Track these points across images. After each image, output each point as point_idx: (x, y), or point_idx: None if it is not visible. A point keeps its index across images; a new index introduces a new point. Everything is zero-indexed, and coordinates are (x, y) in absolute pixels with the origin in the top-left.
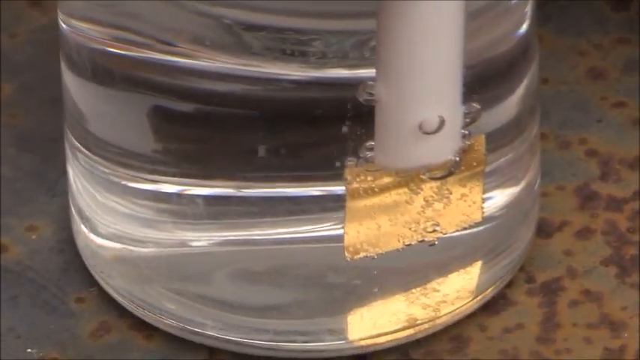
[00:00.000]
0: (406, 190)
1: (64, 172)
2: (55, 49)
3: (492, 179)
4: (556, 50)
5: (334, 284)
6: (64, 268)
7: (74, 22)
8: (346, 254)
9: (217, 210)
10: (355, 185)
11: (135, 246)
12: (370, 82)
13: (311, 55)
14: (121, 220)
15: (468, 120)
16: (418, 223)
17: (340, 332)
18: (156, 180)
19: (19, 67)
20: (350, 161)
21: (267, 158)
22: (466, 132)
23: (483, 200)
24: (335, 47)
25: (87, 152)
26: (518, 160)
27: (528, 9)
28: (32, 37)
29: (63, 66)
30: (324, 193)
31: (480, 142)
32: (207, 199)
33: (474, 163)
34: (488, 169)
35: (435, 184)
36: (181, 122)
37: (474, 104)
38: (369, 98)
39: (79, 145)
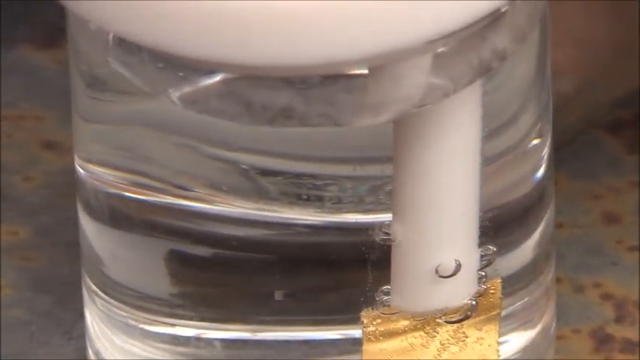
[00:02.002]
0: (422, 333)
1: (81, 315)
2: (71, 192)
3: (508, 323)
4: (570, 194)
5: None
6: None
7: (91, 167)
8: None
9: (234, 353)
10: (371, 329)
11: None
12: (386, 222)
13: (327, 200)
14: None
15: (484, 262)
16: None
17: None
18: (173, 324)
19: (34, 210)
20: (366, 305)
21: (284, 302)
22: (483, 273)
23: (499, 344)
24: (350, 192)
25: (104, 295)
26: (534, 304)
27: (545, 153)
28: (47, 180)
29: (80, 210)
30: (341, 336)
31: (497, 286)
32: (225, 342)
33: (491, 307)
34: (504, 312)
35: (451, 327)
36: (198, 266)
37: (490, 246)
38: (386, 238)
39: (96, 288)
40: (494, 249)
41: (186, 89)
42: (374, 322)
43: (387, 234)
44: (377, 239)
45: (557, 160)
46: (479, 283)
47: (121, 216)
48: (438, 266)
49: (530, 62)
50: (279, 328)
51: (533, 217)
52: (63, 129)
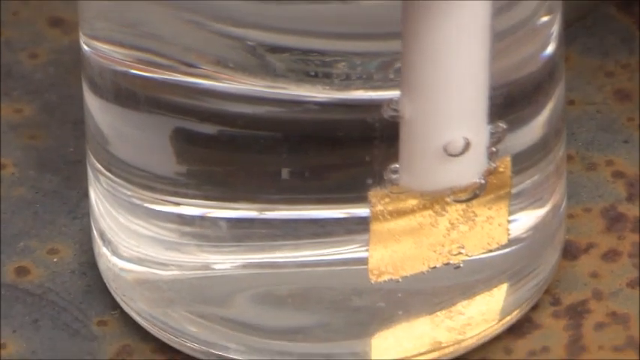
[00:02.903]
0: (431, 212)
1: (86, 194)
2: (77, 69)
3: (518, 201)
4: (582, 71)
5: (358, 307)
6: (86, 291)
7: (96, 44)
8: (370, 277)
9: (240, 233)
10: (379, 208)
11: (157, 269)
12: (395, 99)
13: (335, 77)
14: (144, 242)
15: (493, 139)
16: (443, 245)
17: (364, 355)
18: (178, 202)
19: (40, 88)
20: (375, 184)
21: (291, 180)
22: (494, 149)
23: (509, 222)
24: (359, 69)
25: (109, 174)
26: (545, 182)
27: (555, 30)
28: (53, 58)
29: (85, 88)
30: (348, 215)
31: (506, 165)
32: (231, 221)
33: (500, 185)
34: (514, 191)
35: (460, 206)
36: (204, 144)
37: (500, 124)
38: (394, 114)
39: (101, 167)
40: (504, 126)
41: None
42: (382, 201)
43: (396, 110)
44: (385, 115)
45: (568, 37)
46: (488, 161)
47: (126, 93)
48: (447, 144)
49: None
50: (285, 206)
51: (543, 94)
52: (69, 5)
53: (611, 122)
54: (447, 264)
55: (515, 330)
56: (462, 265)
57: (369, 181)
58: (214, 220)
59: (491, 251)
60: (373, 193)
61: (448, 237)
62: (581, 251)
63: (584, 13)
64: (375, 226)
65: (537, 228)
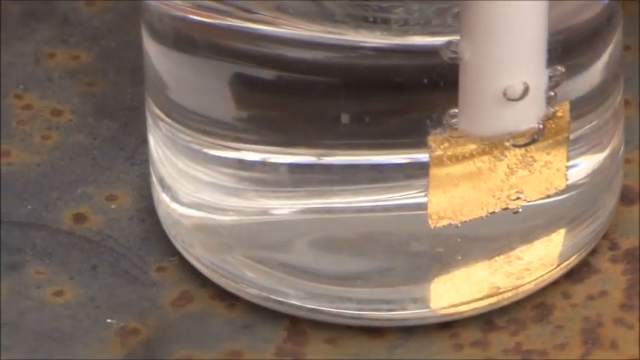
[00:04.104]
0: (490, 157)
1: (143, 141)
2: (134, 16)
3: (576, 147)
4: (637, 16)
5: (417, 252)
6: (145, 237)
7: None
8: (430, 222)
9: (300, 178)
10: (439, 152)
11: (217, 214)
12: (454, 41)
13: (393, 23)
14: (203, 188)
15: (552, 83)
16: (502, 190)
17: (424, 301)
18: (238, 148)
19: (97, 35)
20: (434, 128)
21: (350, 126)
22: (552, 94)
23: (567, 168)
24: (417, 14)
25: (168, 120)
26: (603, 128)
27: None
28: (110, 5)
29: (144, 33)
30: (407, 160)
31: (565, 110)
32: (290, 166)
33: (559, 130)
34: (572, 136)
35: (518, 151)
36: (263, 90)
37: (559, 67)
38: (453, 56)
39: (160, 112)
40: (563, 69)
41: None
42: (441, 146)
43: (455, 52)
44: (444, 57)
45: None
46: (547, 105)
47: (185, 39)
48: (506, 89)
49: None
50: (344, 152)
51: (602, 40)
52: None
53: None
54: (506, 209)
55: (574, 275)
56: (520, 210)
57: (428, 126)
58: (273, 166)
59: (549, 196)
60: (432, 138)
61: (507, 182)
62: (638, 196)
63: None
64: (435, 171)
65: (595, 173)
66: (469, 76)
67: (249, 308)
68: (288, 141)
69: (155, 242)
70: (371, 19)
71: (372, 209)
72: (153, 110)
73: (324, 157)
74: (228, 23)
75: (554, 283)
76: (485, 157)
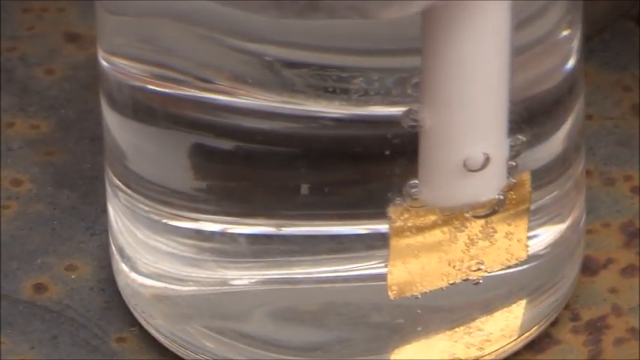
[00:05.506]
0: (450, 228)
1: (103, 211)
2: (93, 85)
3: (538, 217)
4: (600, 85)
5: (378, 323)
6: (105, 308)
7: (114, 59)
8: (390, 293)
9: (259, 248)
10: (399, 223)
11: (176, 285)
12: (415, 108)
13: (353, 93)
14: (162, 258)
15: (513, 153)
16: (462, 261)
17: None
18: (197, 218)
19: (56, 104)
20: (394, 199)
21: (310, 196)
22: (513, 164)
23: (528, 238)
24: (377, 84)
25: (127, 190)
26: (564, 198)
27: (575, 44)
28: (69, 73)
29: (103, 103)
30: (367, 231)
31: (526, 180)
32: (250, 237)
33: (520, 201)
34: (533, 206)
35: (479, 222)
36: (222, 160)
37: (519, 136)
38: (413, 124)
39: (119, 182)
40: (524, 138)
41: None
42: (401, 217)
43: (416, 120)
44: (405, 126)
45: (586, 51)
46: (508, 175)
47: (144, 109)
48: (467, 159)
49: None
50: (304, 222)
51: (563, 109)
52: (85, 21)
53: (629, 137)
54: (466, 280)
55: (535, 346)
56: (481, 281)
57: (389, 196)
58: (232, 236)
59: (510, 267)
60: (393, 209)
61: (467, 253)
62: (600, 267)
63: (602, 27)
64: (395, 242)
65: (556, 244)
66: (429, 145)
67: None
68: (248, 211)
69: (115, 312)
70: (330, 89)
71: (333, 280)
72: (112, 180)
73: (283, 228)
74: (187, 93)
75: (516, 354)
76: (446, 228)
